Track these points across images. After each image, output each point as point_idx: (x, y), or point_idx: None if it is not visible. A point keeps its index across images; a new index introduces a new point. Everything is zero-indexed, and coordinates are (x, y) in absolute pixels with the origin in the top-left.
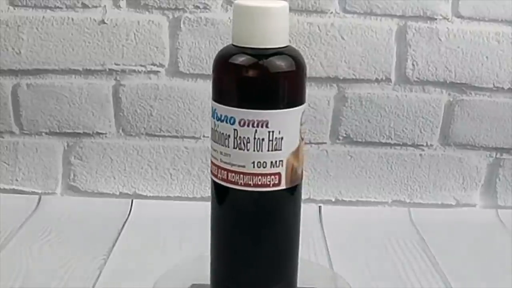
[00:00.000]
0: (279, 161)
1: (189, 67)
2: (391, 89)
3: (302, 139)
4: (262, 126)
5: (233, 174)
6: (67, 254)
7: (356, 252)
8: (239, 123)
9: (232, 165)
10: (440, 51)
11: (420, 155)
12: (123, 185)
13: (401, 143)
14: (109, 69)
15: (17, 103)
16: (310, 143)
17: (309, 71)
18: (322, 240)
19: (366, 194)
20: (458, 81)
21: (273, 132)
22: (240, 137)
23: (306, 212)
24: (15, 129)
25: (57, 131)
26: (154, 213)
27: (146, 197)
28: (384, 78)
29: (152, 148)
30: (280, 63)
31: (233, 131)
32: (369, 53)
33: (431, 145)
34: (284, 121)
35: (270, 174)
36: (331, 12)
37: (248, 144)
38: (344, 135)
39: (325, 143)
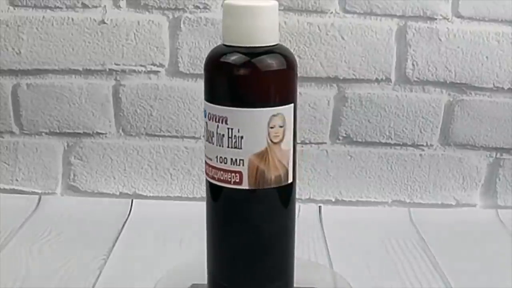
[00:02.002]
0: (240, 159)
1: (189, 67)
2: (391, 89)
3: (274, 142)
4: (222, 122)
5: (207, 166)
6: (67, 254)
7: (356, 252)
8: (207, 116)
9: (206, 157)
10: (440, 51)
11: (420, 155)
12: (123, 185)
13: (401, 143)
14: (109, 69)
15: (17, 103)
16: (310, 143)
17: (309, 71)
18: (322, 240)
19: (366, 194)
20: (458, 81)
21: (232, 129)
22: (208, 130)
23: (306, 212)
24: (15, 129)
25: (57, 131)
26: (154, 213)
27: (146, 197)
28: (384, 78)
29: (152, 148)
30: (259, 62)
31: (205, 123)
32: (369, 53)
33: (431, 145)
34: (244, 120)
35: (231, 171)
36: (331, 12)
37: (213, 138)
38: (344, 135)
39: (325, 143)
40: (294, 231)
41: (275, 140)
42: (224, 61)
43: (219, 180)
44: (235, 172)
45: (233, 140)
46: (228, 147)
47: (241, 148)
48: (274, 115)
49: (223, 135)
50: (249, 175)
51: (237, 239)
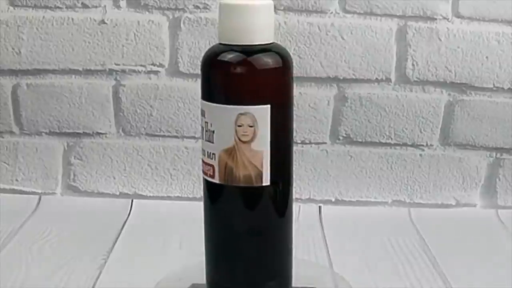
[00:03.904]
0: (212, 153)
1: (189, 67)
2: (391, 89)
3: (242, 141)
4: (203, 115)
5: None
6: (67, 254)
7: (356, 252)
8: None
9: None
10: (440, 51)
11: (420, 155)
12: (123, 185)
13: (401, 143)
14: (109, 69)
15: (17, 103)
16: (310, 143)
17: (309, 71)
18: (322, 240)
19: (366, 194)
20: (458, 81)
21: (207, 123)
22: (200, 123)
23: (306, 212)
24: (15, 129)
25: (57, 131)
26: (154, 213)
27: (146, 197)
28: (384, 78)
29: (152, 148)
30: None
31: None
32: (369, 53)
33: (431, 145)
34: (215, 115)
35: (207, 164)
36: (331, 12)
37: (201, 130)
38: (344, 135)
39: (325, 143)
40: (274, 233)
41: (243, 139)
42: (205, 57)
43: (203, 171)
44: (210, 165)
45: (208, 134)
46: (205, 140)
47: (213, 142)
48: (241, 114)
49: (203, 127)
50: (219, 170)
51: (216, 234)
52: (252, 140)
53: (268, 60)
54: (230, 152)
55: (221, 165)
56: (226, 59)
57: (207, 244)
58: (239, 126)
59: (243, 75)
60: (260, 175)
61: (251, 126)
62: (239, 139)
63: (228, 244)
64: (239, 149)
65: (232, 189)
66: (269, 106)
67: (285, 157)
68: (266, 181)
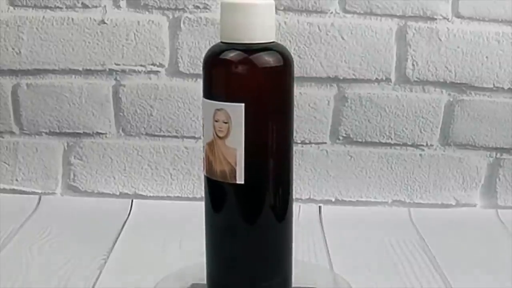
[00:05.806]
0: (203, 146)
1: (189, 67)
2: (391, 89)
3: (219, 137)
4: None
5: None
6: (67, 254)
7: (356, 252)
8: None
9: None
10: (440, 51)
11: (420, 155)
12: (123, 185)
13: (401, 143)
14: (109, 69)
15: (17, 103)
16: (310, 143)
17: (309, 71)
18: (322, 240)
19: (366, 194)
20: (458, 81)
21: (203, 118)
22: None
23: (306, 212)
24: (15, 129)
25: (57, 131)
26: (154, 213)
27: (146, 197)
28: (384, 78)
29: (152, 148)
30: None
31: None
32: (369, 53)
33: (431, 145)
34: (203, 110)
35: (202, 157)
36: (331, 12)
37: None
38: (344, 135)
39: (325, 143)
40: (270, 232)
41: (219, 135)
42: (206, 55)
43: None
44: (202, 157)
45: (201, 128)
46: (202, 133)
47: (203, 136)
48: (218, 109)
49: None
50: (205, 162)
51: (210, 230)
52: (226, 136)
53: (269, 59)
54: (210, 146)
55: (206, 158)
56: (226, 57)
57: (206, 241)
58: (216, 121)
59: (228, 73)
60: (233, 172)
61: (225, 123)
62: (216, 134)
63: (223, 242)
64: (216, 144)
65: (214, 182)
66: (243, 104)
67: (272, 158)
68: (240, 179)
